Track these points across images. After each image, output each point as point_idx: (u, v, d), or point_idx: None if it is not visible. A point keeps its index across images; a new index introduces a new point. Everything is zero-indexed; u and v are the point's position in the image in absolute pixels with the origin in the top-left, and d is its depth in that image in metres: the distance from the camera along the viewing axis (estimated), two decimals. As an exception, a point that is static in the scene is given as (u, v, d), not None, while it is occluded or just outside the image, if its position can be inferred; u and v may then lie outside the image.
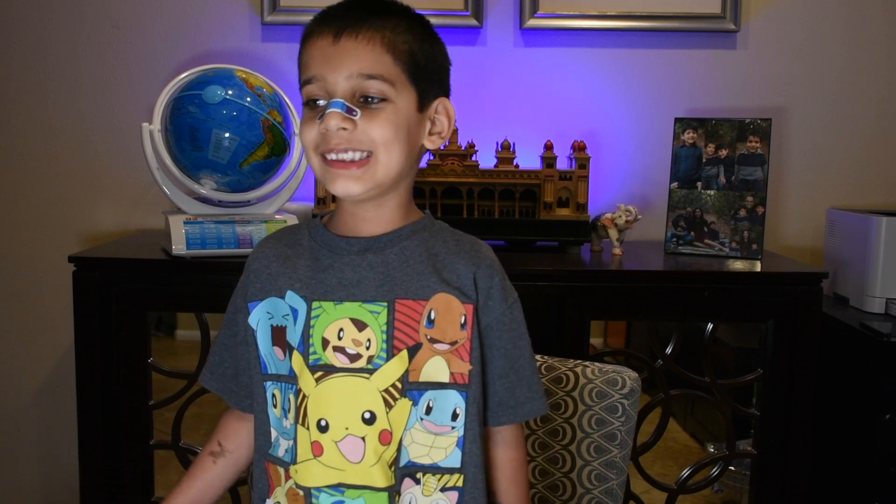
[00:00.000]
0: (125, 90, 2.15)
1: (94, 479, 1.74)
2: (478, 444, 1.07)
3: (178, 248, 1.71)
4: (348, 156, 1.02)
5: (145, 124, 1.76)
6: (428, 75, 1.07)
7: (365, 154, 1.02)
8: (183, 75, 1.78)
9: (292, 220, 1.79)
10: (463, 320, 1.05)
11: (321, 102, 1.03)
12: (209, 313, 1.74)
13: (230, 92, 1.71)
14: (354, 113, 1.01)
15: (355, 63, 1.01)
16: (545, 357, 1.44)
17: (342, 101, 1.01)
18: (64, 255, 1.73)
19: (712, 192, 1.96)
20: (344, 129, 1.00)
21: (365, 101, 1.02)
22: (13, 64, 2.14)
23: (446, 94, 1.12)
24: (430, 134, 1.10)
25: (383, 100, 1.02)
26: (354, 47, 1.02)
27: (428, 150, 1.12)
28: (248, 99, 1.72)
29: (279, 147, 1.77)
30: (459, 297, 1.05)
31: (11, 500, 2.25)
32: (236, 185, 1.78)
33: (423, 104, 1.07)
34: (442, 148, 1.93)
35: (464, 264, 1.07)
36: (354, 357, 1.03)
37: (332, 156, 1.02)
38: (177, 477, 2.00)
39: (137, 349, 1.72)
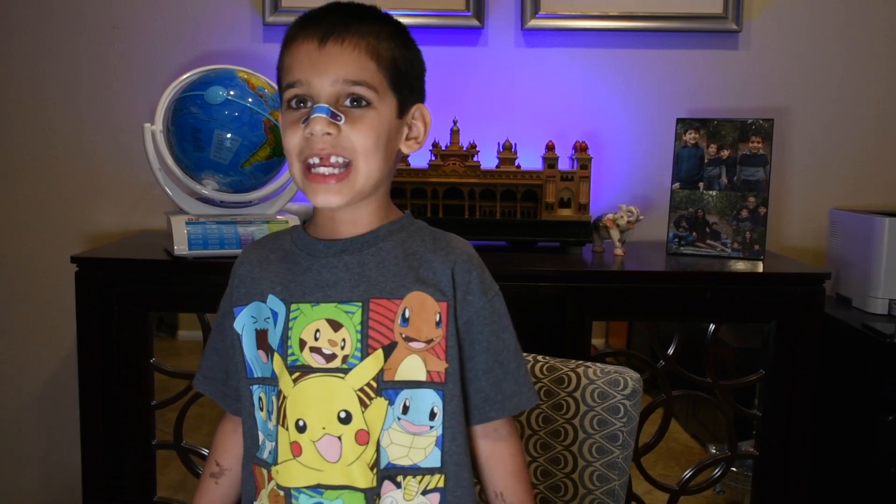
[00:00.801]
0: (127, 91, 2.15)
1: (96, 479, 1.74)
2: (458, 443, 1.07)
3: (180, 248, 1.71)
4: (328, 169, 1.03)
5: (147, 125, 1.76)
6: (408, 81, 1.09)
7: (345, 161, 1.03)
8: (185, 76, 1.78)
9: (294, 221, 1.79)
10: (438, 318, 1.06)
11: (308, 104, 1.04)
12: (211, 314, 1.73)
13: (232, 92, 1.72)
14: (339, 118, 1.02)
15: (341, 69, 1.02)
16: (546, 357, 1.44)
17: (327, 106, 1.02)
18: (66, 256, 1.73)
19: (714, 193, 1.96)
20: (329, 133, 1.02)
21: (348, 107, 1.03)
22: (14, 65, 2.14)
23: (423, 100, 1.14)
24: (407, 139, 1.11)
25: (367, 105, 1.04)
26: (340, 53, 1.03)
27: (404, 154, 1.13)
28: (250, 100, 1.72)
29: (281, 148, 1.77)
30: (434, 295, 1.06)
31: (13, 500, 2.25)
32: (238, 185, 1.78)
33: (402, 110, 1.09)
34: (444, 148, 1.94)
35: (441, 261, 1.07)
36: (330, 357, 1.04)
37: (314, 160, 1.03)
38: (179, 477, 2.02)
39: (139, 349, 1.72)
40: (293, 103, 1.05)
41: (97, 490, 1.74)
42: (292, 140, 1.04)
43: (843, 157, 2.22)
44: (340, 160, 1.03)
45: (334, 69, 1.02)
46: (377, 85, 1.04)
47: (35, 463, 2.25)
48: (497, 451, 1.12)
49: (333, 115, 1.02)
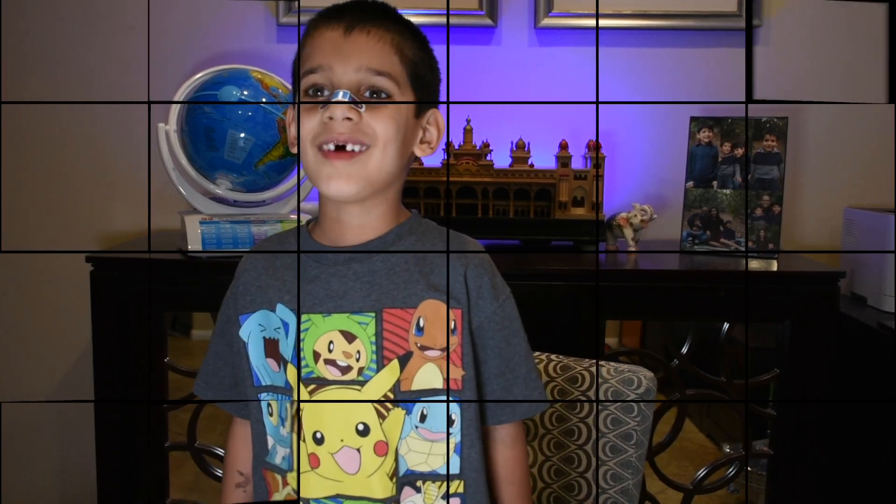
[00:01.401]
0: (141, 91, 2.16)
1: (110, 480, 1.75)
2: (476, 449, 1.06)
3: (194, 247, 1.72)
4: (347, 148, 1.01)
5: (161, 125, 1.77)
6: (426, 85, 1.08)
7: (364, 148, 1.02)
8: (198, 76, 1.79)
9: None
10: (453, 326, 1.04)
11: (325, 93, 1.03)
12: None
13: (246, 92, 1.72)
14: (360, 105, 1.01)
15: (366, 57, 1.02)
16: (560, 357, 1.44)
17: (349, 91, 1.01)
18: (81, 256, 1.74)
19: (728, 192, 1.95)
20: (349, 118, 1.00)
21: (370, 96, 1.02)
22: (28, 66, 2.15)
23: (437, 107, 1.13)
24: (421, 142, 1.10)
25: (388, 97, 1.03)
26: (366, 41, 1.02)
27: (417, 157, 1.12)
28: (264, 99, 1.73)
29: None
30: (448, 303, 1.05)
31: (28, 500, 2.26)
32: (251, 185, 1.79)
33: (419, 111, 1.08)
34: (457, 147, 1.94)
35: (452, 265, 1.06)
36: (345, 369, 1.03)
37: (330, 146, 1.01)
38: (192, 478, 2.02)
39: (154, 349, 1.73)
40: (310, 91, 1.04)
41: (111, 490, 1.75)
42: (307, 124, 1.02)
43: (857, 155, 2.20)
44: (358, 148, 1.01)
45: (358, 56, 1.01)
46: (399, 78, 1.03)
47: (50, 463, 2.26)
48: (495, 453, 1.11)
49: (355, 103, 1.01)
